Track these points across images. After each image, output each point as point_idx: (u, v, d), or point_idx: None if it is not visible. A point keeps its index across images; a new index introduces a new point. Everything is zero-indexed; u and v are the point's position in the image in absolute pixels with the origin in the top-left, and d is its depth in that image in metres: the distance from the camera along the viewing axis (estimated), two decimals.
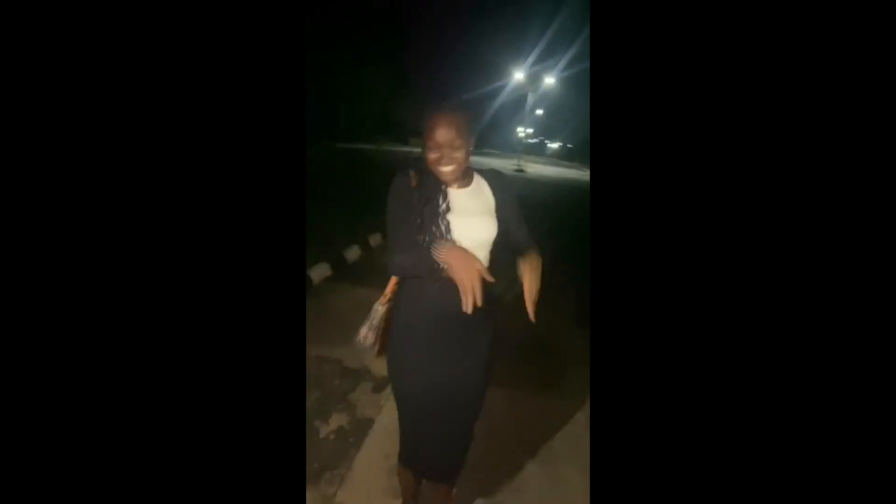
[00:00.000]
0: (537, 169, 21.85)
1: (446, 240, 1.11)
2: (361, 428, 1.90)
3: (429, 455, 1.32)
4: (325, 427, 1.89)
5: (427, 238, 1.11)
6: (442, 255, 1.07)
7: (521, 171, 18.30)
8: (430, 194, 1.15)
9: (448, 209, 1.15)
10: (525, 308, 1.10)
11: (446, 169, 1.12)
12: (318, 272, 3.53)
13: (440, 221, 1.13)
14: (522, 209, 1.26)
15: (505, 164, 21.22)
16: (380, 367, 1.34)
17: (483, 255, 1.18)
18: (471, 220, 1.16)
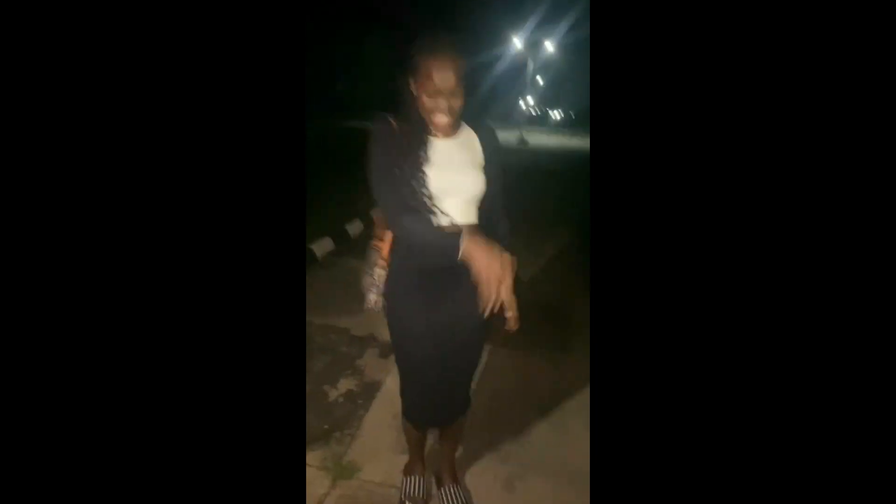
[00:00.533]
0: (540, 140, 21.59)
1: (417, 204, 1.06)
2: (369, 391, 1.97)
3: (429, 404, 1.32)
4: (334, 391, 1.96)
5: (418, 193, 1.06)
6: (465, 246, 1.00)
7: (525, 143, 18.06)
8: (413, 143, 1.08)
9: (430, 161, 1.09)
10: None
11: (443, 120, 1.05)
12: (322, 246, 3.57)
13: (421, 175, 1.07)
14: (506, 169, 1.21)
15: (507, 137, 20.98)
16: (386, 334, 1.32)
17: (472, 211, 1.15)
18: (456, 175, 1.11)
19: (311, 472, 1.53)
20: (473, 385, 1.37)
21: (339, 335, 2.38)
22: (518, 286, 1.03)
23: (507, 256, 0.99)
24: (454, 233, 1.04)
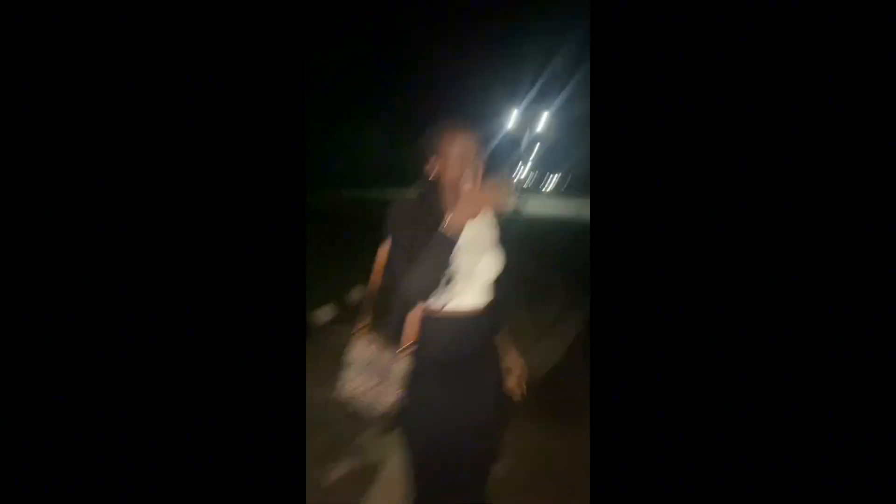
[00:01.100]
0: (535, 208, 22.05)
1: (433, 289, 1.01)
2: (368, 474, 1.83)
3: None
4: (328, 476, 1.82)
5: (436, 278, 1.01)
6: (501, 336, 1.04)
7: (520, 213, 18.39)
8: (433, 222, 1.04)
9: (442, 254, 1.03)
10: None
11: (468, 186, 1.02)
12: (322, 314, 3.50)
13: (438, 258, 1.02)
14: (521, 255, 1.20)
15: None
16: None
17: (489, 290, 1.13)
18: (478, 257, 1.10)
19: None
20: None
21: (337, 410, 2.26)
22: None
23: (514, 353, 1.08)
24: (475, 317, 1.06)
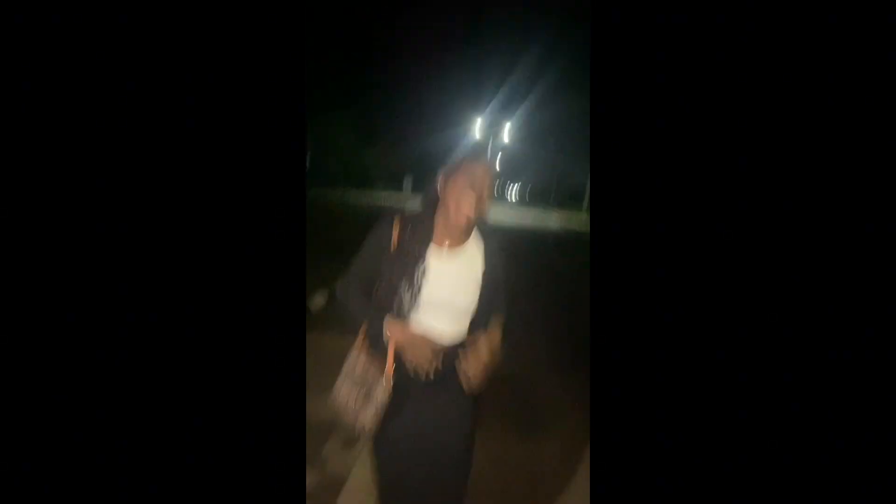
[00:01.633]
0: (499, 215, 22.28)
1: (404, 314, 1.07)
2: (333, 486, 1.81)
3: None
4: None
5: (387, 294, 1.07)
6: (390, 332, 1.07)
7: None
8: (412, 250, 1.09)
9: (425, 273, 1.08)
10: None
11: (466, 213, 1.04)
12: (316, 301, 3.42)
13: (413, 284, 1.07)
14: (509, 272, 1.21)
15: None
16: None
17: (460, 321, 1.13)
18: (449, 290, 1.10)
19: None
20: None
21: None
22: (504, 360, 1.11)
23: (432, 345, 1.08)
24: (444, 348, 1.09)
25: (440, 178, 1.10)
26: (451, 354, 1.11)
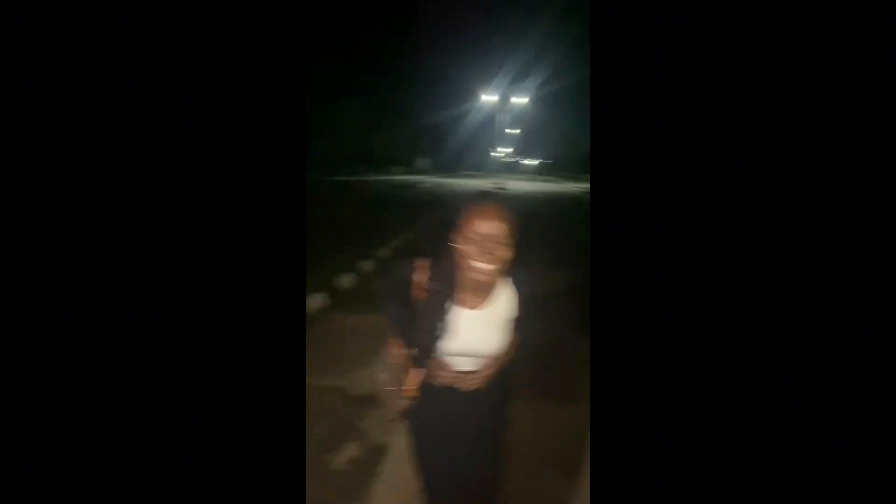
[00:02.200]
0: (519, 185, 22.08)
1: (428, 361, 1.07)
2: (376, 455, 1.81)
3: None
4: (337, 459, 1.79)
5: (432, 349, 1.05)
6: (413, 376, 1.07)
7: (503, 188, 18.48)
8: (435, 308, 1.03)
9: (449, 331, 1.04)
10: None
11: (486, 267, 0.96)
12: (313, 302, 3.44)
13: (436, 340, 1.04)
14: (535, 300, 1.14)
15: (484, 184, 21.39)
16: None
17: (488, 360, 1.12)
18: (477, 343, 1.07)
19: None
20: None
21: (336, 395, 2.23)
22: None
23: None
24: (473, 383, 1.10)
25: (455, 231, 1.00)
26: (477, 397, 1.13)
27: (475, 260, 0.96)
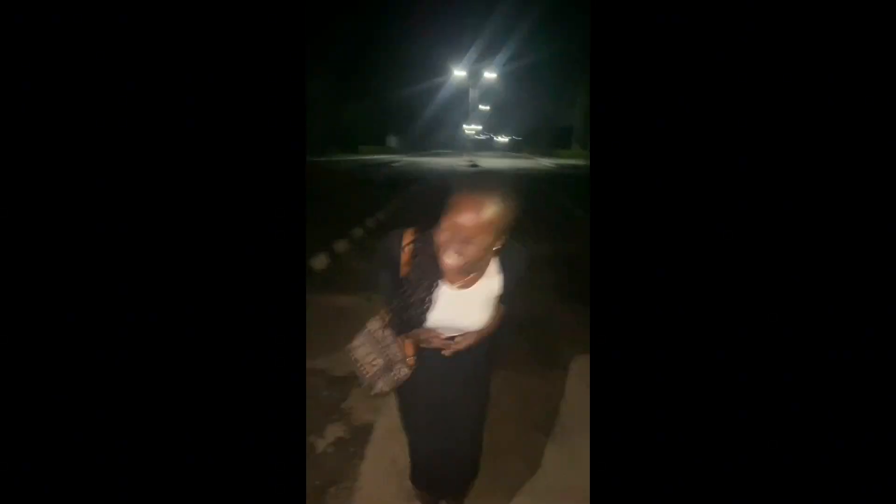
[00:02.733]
0: (491, 163, 22.02)
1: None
2: (361, 436, 1.78)
3: (442, 476, 1.31)
4: (321, 441, 1.76)
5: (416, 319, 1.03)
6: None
7: (476, 165, 18.41)
8: (420, 284, 1.01)
9: (435, 306, 1.02)
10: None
11: (448, 261, 0.93)
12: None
13: (423, 313, 1.01)
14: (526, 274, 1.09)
15: (457, 162, 21.29)
16: None
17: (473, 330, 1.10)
18: (462, 318, 1.05)
19: None
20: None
21: (317, 377, 2.19)
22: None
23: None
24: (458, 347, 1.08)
25: (434, 233, 0.96)
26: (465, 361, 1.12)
27: (443, 250, 0.93)
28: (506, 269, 1.05)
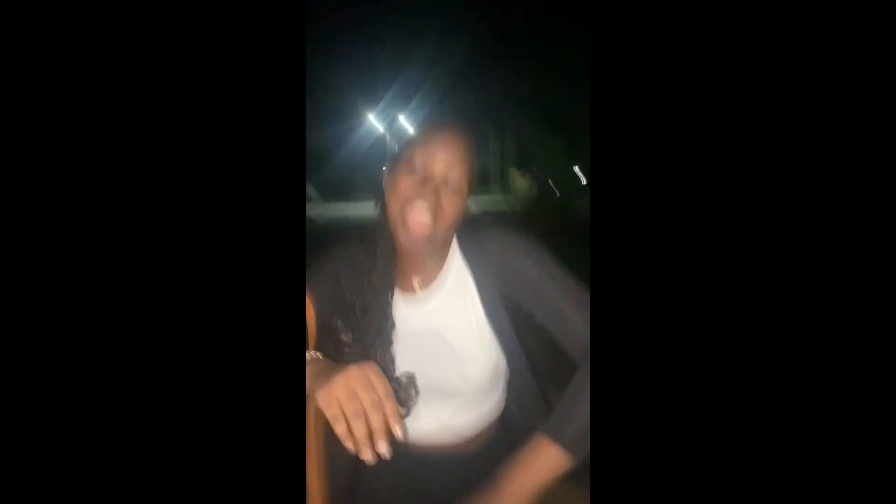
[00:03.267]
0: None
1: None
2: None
3: None
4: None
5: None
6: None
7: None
8: (367, 310, 0.69)
9: (393, 327, 0.70)
10: None
11: (419, 220, 0.67)
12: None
13: (385, 353, 0.68)
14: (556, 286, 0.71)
15: (364, 212, 20.33)
16: None
17: (470, 404, 0.72)
18: (437, 361, 0.69)
19: None
20: None
21: None
22: None
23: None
24: (451, 454, 0.70)
25: (384, 178, 0.73)
26: (456, 472, 0.70)
27: (403, 216, 0.68)
28: (474, 264, 0.73)
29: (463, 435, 0.74)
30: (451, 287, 0.75)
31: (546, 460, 0.63)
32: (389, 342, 0.70)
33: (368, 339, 0.70)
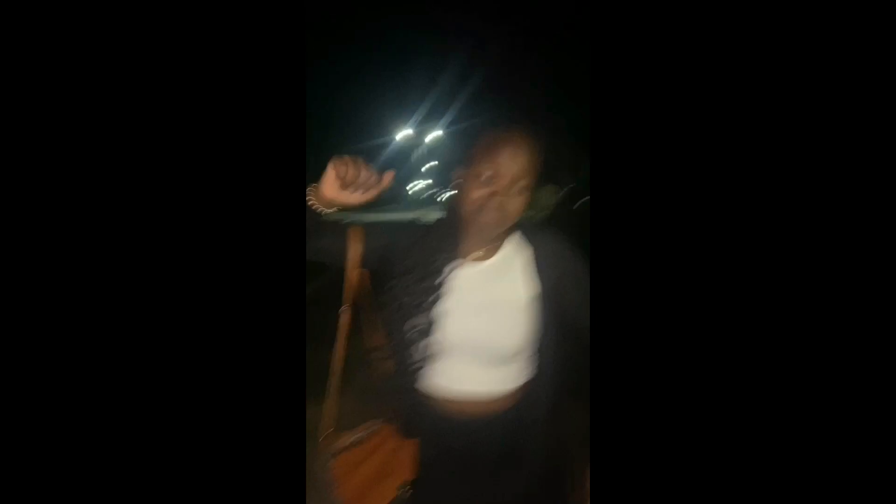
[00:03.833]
0: (437, 216, 21.96)
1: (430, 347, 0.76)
2: None
3: None
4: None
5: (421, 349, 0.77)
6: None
7: (419, 222, 18.16)
8: (426, 262, 0.79)
9: (442, 295, 0.78)
10: None
11: (492, 218, 0.75)
12: None
13: (427, 315, 0.77)
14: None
15: (401, 217, 20.75)
16: None
17: (512, 369, 0.81)
18: (485, 319, 0.79)
19: None
20: None
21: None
22: None
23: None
24: (491, 412, 0.80)
25: (461, 170, 0.80)
26: (495, 431, 0.81)
27: (479, 207, 0.75)
28: (534, 245, 0.84)
29: (497, 394, 0.80)
30: (504, 262, 0.82)
31: None
32: (438, 301, 0.76)
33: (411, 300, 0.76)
